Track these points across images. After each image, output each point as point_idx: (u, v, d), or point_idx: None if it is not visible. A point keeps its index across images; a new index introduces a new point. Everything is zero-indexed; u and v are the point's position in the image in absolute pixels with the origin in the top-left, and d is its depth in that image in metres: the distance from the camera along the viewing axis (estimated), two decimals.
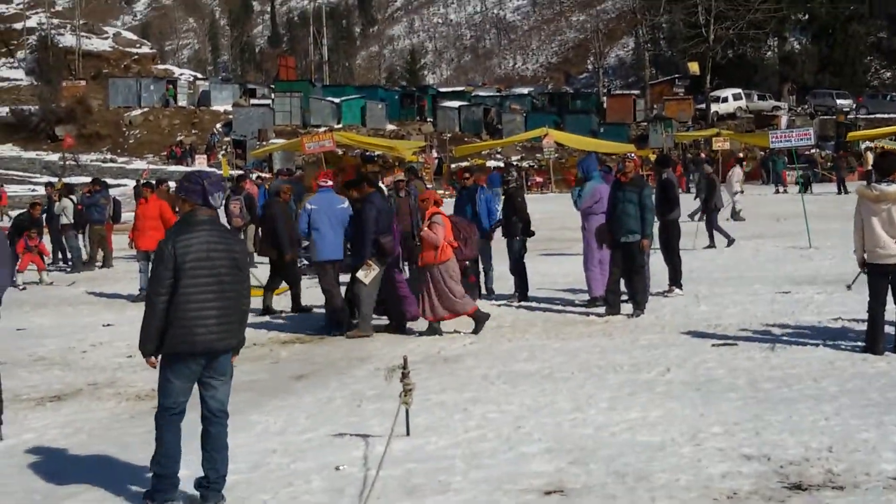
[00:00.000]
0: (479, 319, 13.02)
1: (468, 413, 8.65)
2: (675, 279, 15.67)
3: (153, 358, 6.55)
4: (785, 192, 45.19)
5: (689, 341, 11.69)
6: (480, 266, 16.13)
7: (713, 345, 11.33)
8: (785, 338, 11.54)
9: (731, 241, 22.26)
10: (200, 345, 6.41)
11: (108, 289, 19.58)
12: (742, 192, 30.63)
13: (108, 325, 15.02)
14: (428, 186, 37.23)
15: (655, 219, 15.16)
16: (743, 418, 8.02)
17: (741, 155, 43.20)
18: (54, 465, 7.69)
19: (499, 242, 16.28)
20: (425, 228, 12.72)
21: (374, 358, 11.54)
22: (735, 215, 29.40)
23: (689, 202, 24.37)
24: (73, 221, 23.87)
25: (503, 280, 16.31)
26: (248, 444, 7.96)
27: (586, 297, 15.12)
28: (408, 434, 7.86)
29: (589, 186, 14.72)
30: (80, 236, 24.42)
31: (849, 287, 12.44)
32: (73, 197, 24.53)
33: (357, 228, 13.20)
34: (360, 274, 12.93)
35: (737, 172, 30.33)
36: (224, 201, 24.81)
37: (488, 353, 11.55)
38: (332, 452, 7.63)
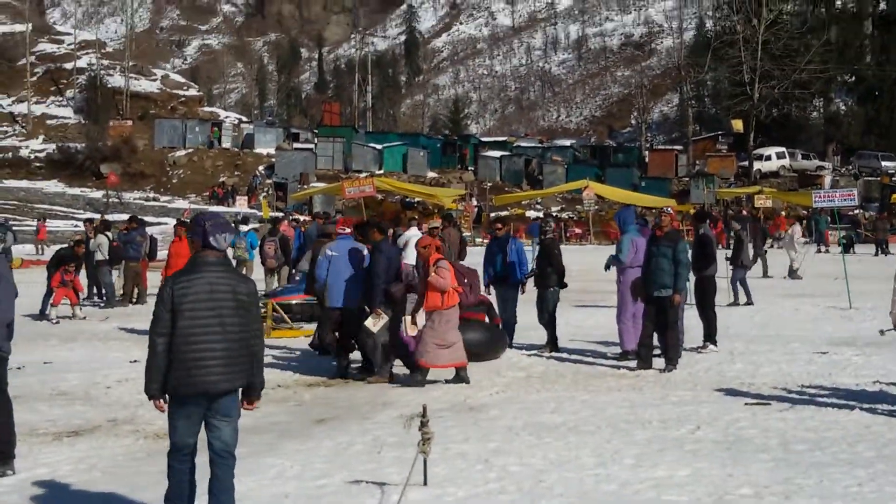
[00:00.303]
0: (462, 378, 12.67)
1: (489, 464, 8.42)
2: (710, 335, 15.38)
3: (160, 401, 6.48)
4: (827, 251, 44.64)
5: (721, 399, 11.39)
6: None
7: (746, 403, 11.03)
8: (820, 399, 11.21)
9: (749, 302, 21.95)
10: (200, 386, 6.35)
11: (139, 325, 19.47)
12: (800, 251, 30.26)
13: (135, 361, 14.86)
14: (465, 234, 37.17)
15: (691, 274, 14.96)
16: (773, 481, 7.73)
17: (804, 213, 42.77)
18: (63, 502, 7.54)
19: (529, 293, 16.04)
20: (433, 273, 12.46)
21: (398, 403, 11.33)
22: (792, 273, 29.03)
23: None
24: (107, 258, 23.92)
25: (528, 330, 16.05)
26: (261, 487, 7.77)
27: (618, 350, 14.86)
28: (425, 484, 7.64)
29: (625, 240, 14.50)
30: (115, 272, 24.46)
31: (882, 332, 12.05)
32: (108, 234, 24.61)
33: (366, 276, 13.07)
34: (368, 322, 12.77)
35: (797, 230, 29.98)
36: (260, 242, 24.89)
37: (514, 403, 11.32)
38: (346, 499, 7.43)
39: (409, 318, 12.83)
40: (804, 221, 51.00)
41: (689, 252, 14.84)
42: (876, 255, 41.18)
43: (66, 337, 17.96)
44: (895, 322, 10.45)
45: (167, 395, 6.46)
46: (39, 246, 46.21)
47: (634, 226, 14.91)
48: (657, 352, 13.90)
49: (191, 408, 6.43)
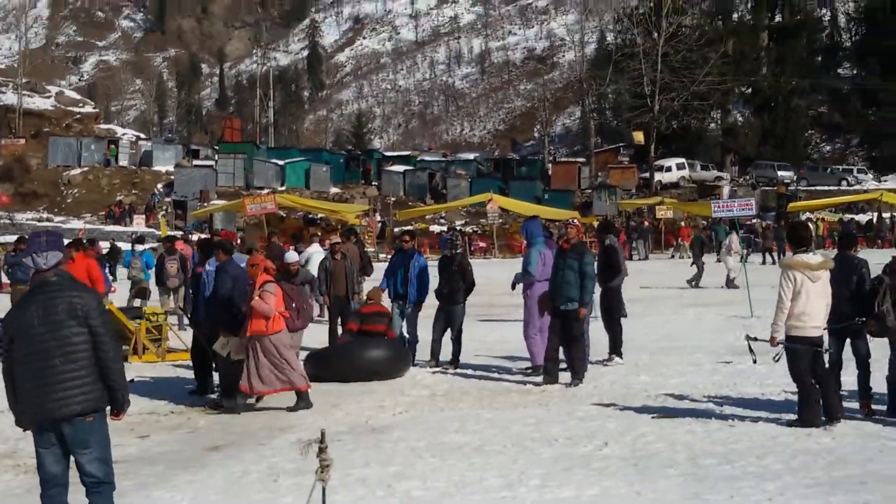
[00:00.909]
0: (302, 399, 12.16)
1: (391, 490, 8.08)
2: (616, 348, 15.25)
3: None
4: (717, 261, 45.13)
5: (627, 413, 11.20)
6: (405, 333, 15.58)
7: (653, 417, 10.86)
8: (727, 410, 11.09)
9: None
10: (42, 413, 6.07)
11: None
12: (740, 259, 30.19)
13: None
14: (368, 250, 36.77)
15: (597, 286, 14.83)
16: (682, 497, 7.53)
17: (703, 223, 42.84)
18: None
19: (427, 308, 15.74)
20: (256, 297, 11.94)
21: (297, 428, 10.91)
22: (730, 283, 28.87)
23: (633, 268, 24.05)
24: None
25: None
26: None
27: (524, 364, 14.64)
28: None
29: (533, 252, 14.27)
30: None
31: (749, 338, 12.01)
32: None
33: (212, 298, 12.68)
34: (217, 346, 12.32)
35: (734, 240, 29.95)
36: (159, 261, 24.14)
37: (418, 424, 10.98)
38: None
39: (222, 339, 12.31)
40: (740, 230, 51.62)
41: (595, 264, 14.67)
42: (763, 263, 41.79)
43: None
44: (777, 338, 10.24)
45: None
46: None
47: (541, 238, 14.70)
48: (563, 366, 13.70)
49: (47, 437, 6.12)
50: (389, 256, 16.58)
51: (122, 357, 6.42)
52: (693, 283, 30.31)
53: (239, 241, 15.04)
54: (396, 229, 51.49)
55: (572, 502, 7.52)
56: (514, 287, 14.78)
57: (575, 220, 14.90)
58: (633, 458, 8.99)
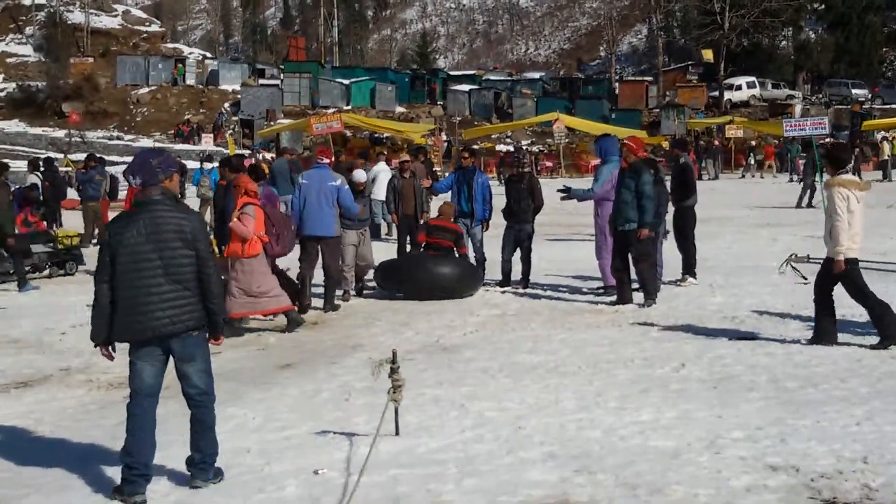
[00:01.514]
0: (293, 320, 12.05)
1: (464, 410, 7.93)
2: (689, 268, 14.90)
3: (106, 348, 6.34)
4: (800, 181, 44.30)
5: (703, 334, 10.92)
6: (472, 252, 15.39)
7: (730, 339, 10.57)
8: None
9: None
10: (146, 331, 6.12)
11: None
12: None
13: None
14: (436, 169, 36.51)
15: (670, 205, 14.53)
16: (766, 422, 7.27)
17: (775, 142, 41.76)
18: (7, 459, 7.00)
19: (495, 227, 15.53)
20: (234, 219, 11.75)
21: (368, 346, 10.83)
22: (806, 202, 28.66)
23: (703, 187, 23.58)
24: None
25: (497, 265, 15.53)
26: (220, 440, 7.21)
27: (595, 284, 14.41)
28: (397, 434, 7.15)
29: (605, 171, 13.92)
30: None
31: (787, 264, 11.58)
32: (38, 173, 23.91)
33: (220, 217, 12.67)
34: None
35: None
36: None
37: (489, 344, 10.82)
38: (312, 453, 6.92)
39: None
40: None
41: (662, 183, 14.29)
42: None
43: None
44: (844, 261, 9.92)
45: (116, 342, 6.28)
46: None
47: (616, 157, 14.33)
48: (636, 286, 13.46)
49: (146, 352, 6.19)
50: (454, 174, 16.21)
51: (221, 282, 6.42)
52: (806, 202, 29.40)
53: (332, 158, 14.89)
54: (461, 148, 51.23)
55: (651, 425, 7.30)
56: (561, 192, 14.37)
57: (625, 140, 14.44)
58: (711, 380, 8.75)
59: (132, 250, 6.09)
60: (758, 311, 12.27)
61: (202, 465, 6.40)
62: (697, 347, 10.19)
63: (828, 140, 50.23)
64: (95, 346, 6.38)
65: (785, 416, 7.41)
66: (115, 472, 6.49)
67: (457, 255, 14.63)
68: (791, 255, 11.56)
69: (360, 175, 15.18)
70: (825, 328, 10.14)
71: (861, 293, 10.05)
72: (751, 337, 10.62)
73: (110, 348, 6.36)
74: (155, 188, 6.24)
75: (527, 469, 6.40)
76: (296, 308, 12.26)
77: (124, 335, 6.20)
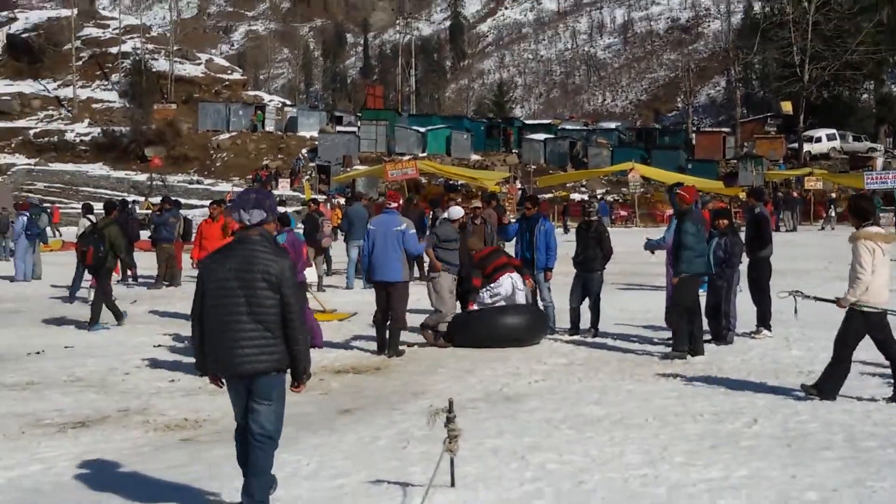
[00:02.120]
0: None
1: (525, 462, 7.65)
2: (764, 320, 14.50)
3: (215, 377, 6.50)
4: None
5: (778, 389, 10.53)
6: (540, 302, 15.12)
7: (805, 395, 10.16)
8: (886, 389, 10.32)
9: None
10: (228, 368, 6.26)
11: (168, 308, 18.92)
12: None
13: (159, 345, 14.30)
14: (511, 219, 36.38)
15: (744, 255, 14.20)
16: (842, 483, 6.90)
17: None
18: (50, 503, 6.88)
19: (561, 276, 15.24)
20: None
21: (430, 393, 10.59)
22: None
23: (780, 239, 23.07)
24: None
25: (563, 313, 15.21)
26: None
27: (666, 335, 14.04)
28: (452, 485, 6.90)
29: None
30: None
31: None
32: (91, 217, 24.19)
33: None
34: None
35: None
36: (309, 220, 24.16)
37: (555, 394, 10.53)
38: (363, 503, 6.69)
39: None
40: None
41: (736, 234, 13.98)
42: None
43: None
44: (845, 298, 9.97)
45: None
46: (55, 230, 45.72)
47: (691, 206, 14.04)
48: (708, 337, 13.13)
49: (233, 386, 6.37)
50: (518, 222, 16.03)
51: (306, 329, 6.39)
52: None
53: (400, 202, 14.99)
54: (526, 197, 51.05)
55: (720, 483, 6.97)
56: (646, 248, 14.49)
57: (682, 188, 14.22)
58: (785, 437, 8.37)
59: (220, 285, 6.24)
60: None
61: None
62: (771, 402, 9.81)
63: None
64: (202, 376, 6.60)
65: (863, 478, 7.03)
66: None
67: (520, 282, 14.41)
68: (797, 291, 11.48)
69: (456, 212, 15.04)
70: (837, 376, 10.00)
71: (843, 341, 10.01)
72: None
73: (218, 380, 6.48)
74: (257, 228, 6.35)
75: None
76: None
77: (212, 368, 6.38)
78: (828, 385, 9.94)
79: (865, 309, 9.85)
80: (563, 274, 15.38)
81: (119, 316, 16.58)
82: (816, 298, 10.78)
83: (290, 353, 6.26)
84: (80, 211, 25.24)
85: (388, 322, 13.43)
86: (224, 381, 6.42)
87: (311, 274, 15.42)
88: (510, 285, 14.34)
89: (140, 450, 8.38)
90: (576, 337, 14.48)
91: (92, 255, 16.36)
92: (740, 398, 10.04)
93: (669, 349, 12.96)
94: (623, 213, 55.42)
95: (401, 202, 15.18)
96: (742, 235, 14.63)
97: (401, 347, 13.41)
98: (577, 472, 7.34)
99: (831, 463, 7.49)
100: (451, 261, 14.09)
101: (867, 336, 10.03)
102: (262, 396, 6.28)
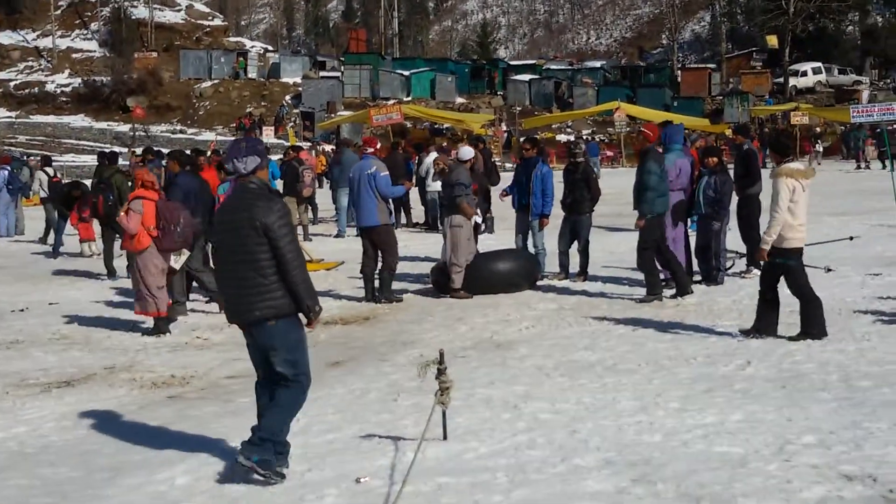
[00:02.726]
0: (157, 327, 11.65)
1: (517, 412, 7.55)
2: (754, 259, 14.38)
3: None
4: (867, 167, 43.25)
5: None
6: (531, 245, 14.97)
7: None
8: (880, 327, 10.24)
9: None
10: (231, 316, 6.41)
11: None
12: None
13: None
14: (495, 159, 36.12)
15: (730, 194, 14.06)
16: (839, 426, 6.80)
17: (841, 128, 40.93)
18: (39, 465, 6.76)
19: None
20: (121, 213, 11.71)
21: (419, 343, 10.50)
22: None
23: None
24: (49, 194, 23.15)
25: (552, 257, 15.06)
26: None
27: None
28: (444, 438, 6.80)
29: (667, 160, 13.45)
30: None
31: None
32: (48, 169, 23.90)
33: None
34: (171, 260, 12.00)
35: None
36: (289, 170, 23.92)
37: (545, 340, 10.44)
38: (355, 459, 6.59)
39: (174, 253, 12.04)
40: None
41: (725, 171, 13.81)
42: None
43: (76, 276, 17.16)
44: (766, 251, 9.81)
45: None
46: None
47: (679, 145, 13.87)
48: (697, 278, 13.11)
49: (246, 335, 6.41)
50: (515, 165, 15.79)
51: (304, 266, 6.33)
52: None
53: (376, 147, 14.86)
54: (522, 138, 50.76)
55: (716, 428, 6.87)
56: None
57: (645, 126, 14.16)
58: (779, 379, 8.28)
59: (221, 238, 6.37)
60: (829, 304, 11.69)
61: (253, 440, 6.22)
62: (764, 344, 9.72)
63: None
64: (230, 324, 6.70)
65: (860, 420, 6.93)
66: (143, 481, 6.25)
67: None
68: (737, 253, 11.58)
69: (466, 152, 14.83)
70: (767, 320, 9.99)
71: (799, 287, 9.94)
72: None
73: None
74: (252, 176, 6.31)
75: (581, 477, 5.99)
76: (164, 315, 11.80)
77: (228, 318, 6.53)
78: (816, 327, 9.83)
79: (781, 261, 9.80)
80: (553, 216, 15.20)
81: (112, 273, 16.44)
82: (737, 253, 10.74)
83: (290, 294, 6.19)
84: (59, 164, 25.03)
85: (378, 268, 13.35)
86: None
87: None
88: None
89: (126, 408, 8.27)
90: (565, 281, 14.37)
91: (102, 205, 16.33)
92: (733, 340, 9.94)
93: (665, 289, 12.89)
94: (609, 153, 55.14)
95: (378, 146, 15.02)
96: (731, 173, 14.47)
97: (396, 295, 13.34)
98: (570, 420, 7.25)
99: (827, 404, 7.40)
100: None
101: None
102: (267, 346, 6.27)
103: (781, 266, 9.82)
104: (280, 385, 6.30)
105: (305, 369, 6.40)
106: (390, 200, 13.98)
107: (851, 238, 13.82)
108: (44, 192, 23.32)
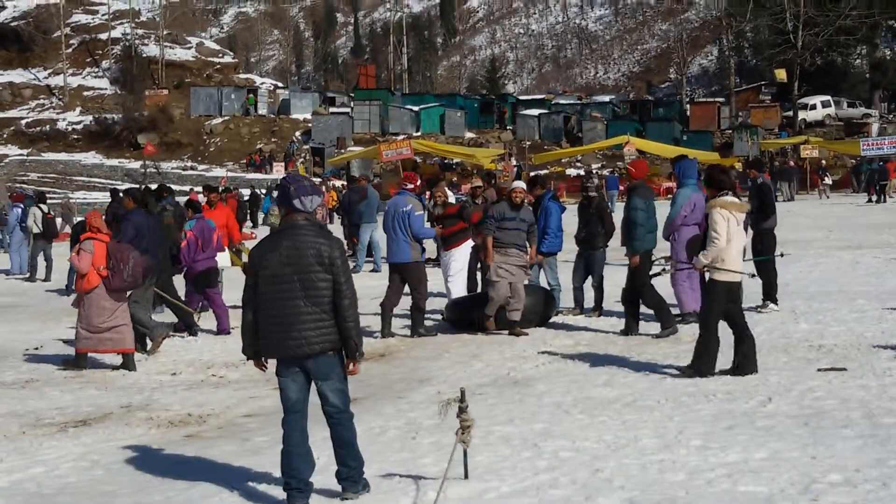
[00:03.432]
0: (127, 365, 11.80)
1: (538, 450, 7.48)
2: (770, 294, 14.30)
3: (259, 361, 6.69)
4: (878, 201, 43.12)
5: (790, 365, 10.36)
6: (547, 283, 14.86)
7: (819, 369, 10.00)
8: None
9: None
10: (284, 350, 6.44)
11: None
12: None
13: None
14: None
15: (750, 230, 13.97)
16: (864, 464, 6.73)
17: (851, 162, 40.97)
18: None
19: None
20: (72, 254, 11.90)
21: (436, 379, 10.45)
22: None
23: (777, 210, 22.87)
24: (42, 230, 23.20)
25: (566, 292, 15.00)
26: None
27: (672, 312, 13.84)
28: (465, 477, 6.74)
29: (682, 195, 13.39)
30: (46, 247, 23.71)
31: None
32: (42, 206, 23.92)
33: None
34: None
35: None
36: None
37: (563, 376, 10.37)
38: (377, 499, 6.54)
39: None
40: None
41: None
42: None
43: None
44: (702, 261, 9.96)
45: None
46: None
47: (693, 180, 13.83)
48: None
49: (289, 369, 6.49)
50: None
51: (356, 308, 6.55)
52: None
53: (417, 183, 15.04)
54: (532, 173, 50.79)
55: (739, 467, 6.79)
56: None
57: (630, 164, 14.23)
58: (802, 416, 8.20)
59: (274, 272, 6.42)
60: (846, 338, 11.66)
61: (350, 478, 6.58)
62: (784, 379, 9.64)
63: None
64: (248, 360, 6.72)
65: (885, 457, 6.85)
66: None
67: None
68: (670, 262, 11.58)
69: (519, 184, 14.66)
70: (711, 351, 10.04)
71: (706, 317, 10.08)
72: (841, 367, 10.02)
73: (263, 360, 6.69)
74: (302, 213, 6.47)
75: None
76: (134, 351, 12.00)
77: (268, 353, 6.57)
78: (703, 362, 9.94)
79: (721, 279, 9.89)
80: (564, 252, 15.16)
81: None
82: (677, 268, 10.81)
83: (340, 331, 6.41)
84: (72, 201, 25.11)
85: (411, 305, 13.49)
86: (267, 364, 6.64)
87: (223, 259, 15.37)
88: (464, 260, 14.77)
89: (144, 447, 8.22)
90: (580, 317, 14.31)
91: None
92: (752, 376, 9.86)
93: (681, 325, 12.84)
94: (620, 187, 55.13)
95: (418, 182, 15.10)
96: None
97: (425, 330, 13.38)
98: (592, 459, 7.18)
99: (851, 442, 7.32)
100: (513, 241, 13.16)
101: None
102: (322, 377, 6.47)
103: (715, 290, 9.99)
104: (335, 422, 6.55)
105: (349, 399, 6.72)
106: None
107: (782, 254, 13.88)
108: (37, 227, 23.34)
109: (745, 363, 9.99)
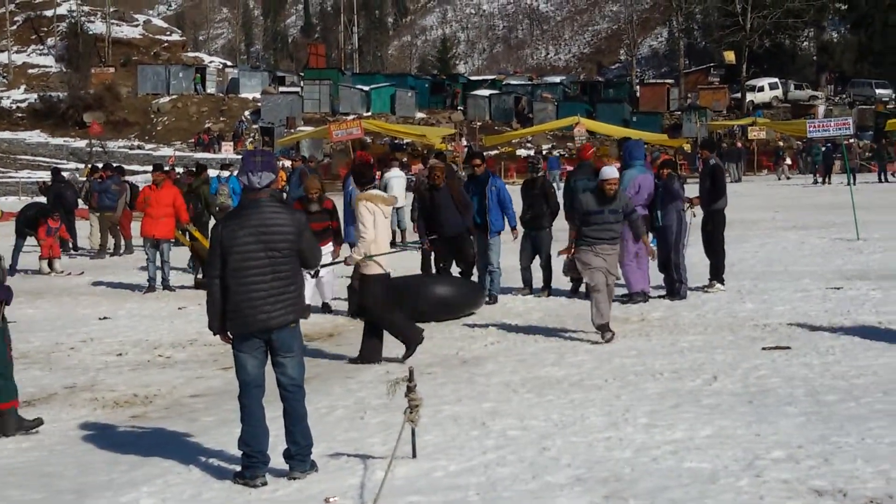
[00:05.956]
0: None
1: (486, 429, 7.50)
2: (717, 273, 14.43)
3: (225, 335, 6.68)
4: (824, 182, 43.65)
5: (735, 344, 10.47)
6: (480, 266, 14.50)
7: (763, 348, 10.12)
8: (844, 341, 10.29)
9: None
10: (254, 324, 6.47)
11: (115, 279, 18.53)
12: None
13: (105, 318, 13.98)
14: (461, 176, 36.07)
15: (698, 209, 14.08)
16: (807, 440, 6.81)
17: (798, 144, 41.67)
18: (4, 488, 6.63)
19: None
20: None
21: (384, 359, 10.41)
22: None
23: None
24: None
25: (514, 272, 15.01)
26: (230, 463, 6.87)
27: (620, 291, 13.89)
28: (414, 456, 6.74)
29: (627, 176, 13.46)
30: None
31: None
32: None
33: None
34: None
35: None
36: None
37: (512, 356, 10.40)
38: (324, 479, 6.52)
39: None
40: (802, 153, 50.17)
41: (681, 186, 13.85)
42: (880, 182, 40.97)
43: (35, 292, 16.91)
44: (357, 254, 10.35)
45: (230, 333, 6.64)
46: None
47: (641, 161, 13.87)
48: (662, 293, 13.12)
49: (252, 344, 6.54)
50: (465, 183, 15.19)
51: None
52: None
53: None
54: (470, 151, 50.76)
55: (685, 444, 6.85)
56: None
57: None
58: (746, 393, 8.29)
59: (242, 249, 6.45)
60: (791, 317, 11.80)
61: (298, 456, 6.61)
62: (730, 358, 9.74)
63: (852, 140, 49.58)
64: (214, 335, 6.72)
65: (827, 434, 6.94)
66: (108, 503, 6.12)
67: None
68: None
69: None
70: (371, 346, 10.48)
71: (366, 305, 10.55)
72: (786, 346, 10.14)
73: (229, 335, 6.67)
74: (266, 189, 6.52)
75: (553, 495, 5.95)
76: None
77: (235, 329, 6.56)
78: (368, 351, 10.35)
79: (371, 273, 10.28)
80: (507, 232, 15.01)
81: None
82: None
83: (302, 262, 6.68)
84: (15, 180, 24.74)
85: None
86: (237, 340, 6.59)
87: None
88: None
89: (89, 428, 8.13)
90: (529, 297, 14.34)
91: (187, 211, 17.60)
92: (698, 354, 9.96)
93: (628, 305, 12.99)
94: (569, 167, 55.32)
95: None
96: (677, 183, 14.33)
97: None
98: (539, 438, 7.21)
99: (794, 419, 7.41)
100: (601, 236, 11.16)
101: None
102: (286, 348, 6.55)
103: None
104: (289, 397, 6.61)
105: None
106: None
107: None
108: None
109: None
